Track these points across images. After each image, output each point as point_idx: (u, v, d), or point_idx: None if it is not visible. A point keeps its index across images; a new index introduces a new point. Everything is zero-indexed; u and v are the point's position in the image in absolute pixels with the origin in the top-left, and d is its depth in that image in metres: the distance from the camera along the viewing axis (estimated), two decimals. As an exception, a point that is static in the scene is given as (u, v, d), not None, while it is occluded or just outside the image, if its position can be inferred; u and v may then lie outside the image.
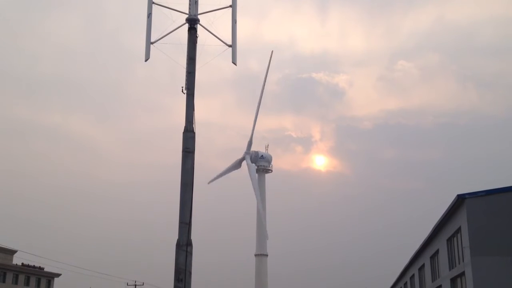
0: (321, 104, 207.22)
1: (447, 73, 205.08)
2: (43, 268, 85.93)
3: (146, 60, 16.67)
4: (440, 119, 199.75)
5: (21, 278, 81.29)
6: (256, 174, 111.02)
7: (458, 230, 30.78)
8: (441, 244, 36.16)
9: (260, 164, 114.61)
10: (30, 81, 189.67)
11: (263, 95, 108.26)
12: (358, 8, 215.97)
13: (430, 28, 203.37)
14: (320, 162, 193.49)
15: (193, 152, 15.67)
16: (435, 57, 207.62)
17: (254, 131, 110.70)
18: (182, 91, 16.00)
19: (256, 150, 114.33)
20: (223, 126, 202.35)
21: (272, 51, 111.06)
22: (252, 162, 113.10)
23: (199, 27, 16.60)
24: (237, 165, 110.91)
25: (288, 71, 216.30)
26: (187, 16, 16.53)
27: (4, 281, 77.61)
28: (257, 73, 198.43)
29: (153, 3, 16.85)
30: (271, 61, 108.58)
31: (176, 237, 15.02)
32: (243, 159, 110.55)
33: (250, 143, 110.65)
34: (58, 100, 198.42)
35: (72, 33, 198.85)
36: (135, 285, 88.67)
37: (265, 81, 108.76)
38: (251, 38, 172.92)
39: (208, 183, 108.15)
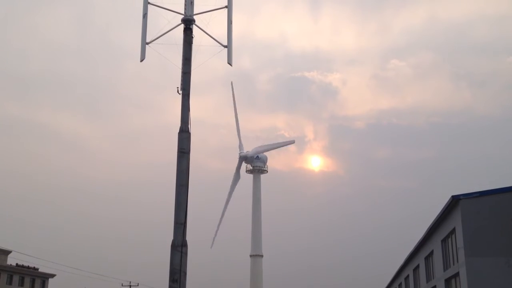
0: (314, 103, 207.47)
1: (440, 72, 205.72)
2: (37, 269, 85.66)
3: (141, 61, 16.64)
4: (433, 119, 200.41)
5: (16, 278, 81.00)
6: (256, 149, 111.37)
7: (453, 231, 30.87)
8: (435, 245, 36.25)
9: (256, 164, 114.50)
10: (19, 78, 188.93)
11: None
12: (350, 5, 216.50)
13: (422, 27, 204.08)
14: (314, 162, 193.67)
15: (188, 152, 15.66)
16: (428, 56, 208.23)
17: (240, 136, 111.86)
18: (178, 91, 15.99)
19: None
20: (216, 125, 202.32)
21: (231, 82, 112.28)
22: (247, 162, 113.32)
23: (194, 28, 16.60)
24: (236, 178, 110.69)
25: (280, 69, 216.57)
26: (183, 16, 16.52)
27: (-2, 282, 77.43)
28: (250, 72, 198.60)
29: (149, 3, 16.83)
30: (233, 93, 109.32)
31: (171, 237, 15.01)
32: (241, 160, 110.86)
33: (240, 146, 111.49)
34: (47, 98, 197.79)
35: (61, 29, 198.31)
36: (130, 285, 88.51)
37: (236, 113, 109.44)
38: (243, 36, 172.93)
39: (212, 246, 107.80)
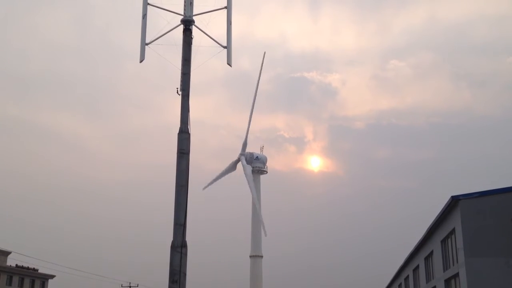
0: (313, 103, 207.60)
1: (440, 72, 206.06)
2: (37, 270, 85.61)
3: (141, 61, 16.64)
4: (433, 119, 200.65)
5: (15, 279, 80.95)
6: (251, 174, 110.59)
7: (452, 231, 30.86)
8: (435, 245, 36.24)
9: (255, 165, 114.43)
10: (19, 78, 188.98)
11: (256, 95, 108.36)
12: (350, 5, 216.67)
13: (422, 27, 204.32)
14: (313, 162, 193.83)
15: (188, 153, 15.65)
16: (428, 56, 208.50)
17: (248, 133, 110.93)
18: (177, 92, 15.99)
19: (251, 151, 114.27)
20: (216, 126, 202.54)
21: (264, 52, 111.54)
22: (247, 163, 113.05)
23: (194, 28, 16.60)
24: (232, 167, 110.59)
25: (280, 70, 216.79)
26: (182, 17, 16.52)
27: (-2, 283, 77.37)
28: (249, 72, 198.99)
29: (148, 4, 16.83)
30: (263, 63, 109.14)
31: (171, 238, 15.01)
32: (238, 161, 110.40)
33: (245, 144, 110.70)
34: (47, 98, 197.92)
35: (61, 29, 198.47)
36: (130, 286, 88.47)
37: (258, 84, 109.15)
38: (242, 37, 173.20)
39: (203, 188, 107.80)
